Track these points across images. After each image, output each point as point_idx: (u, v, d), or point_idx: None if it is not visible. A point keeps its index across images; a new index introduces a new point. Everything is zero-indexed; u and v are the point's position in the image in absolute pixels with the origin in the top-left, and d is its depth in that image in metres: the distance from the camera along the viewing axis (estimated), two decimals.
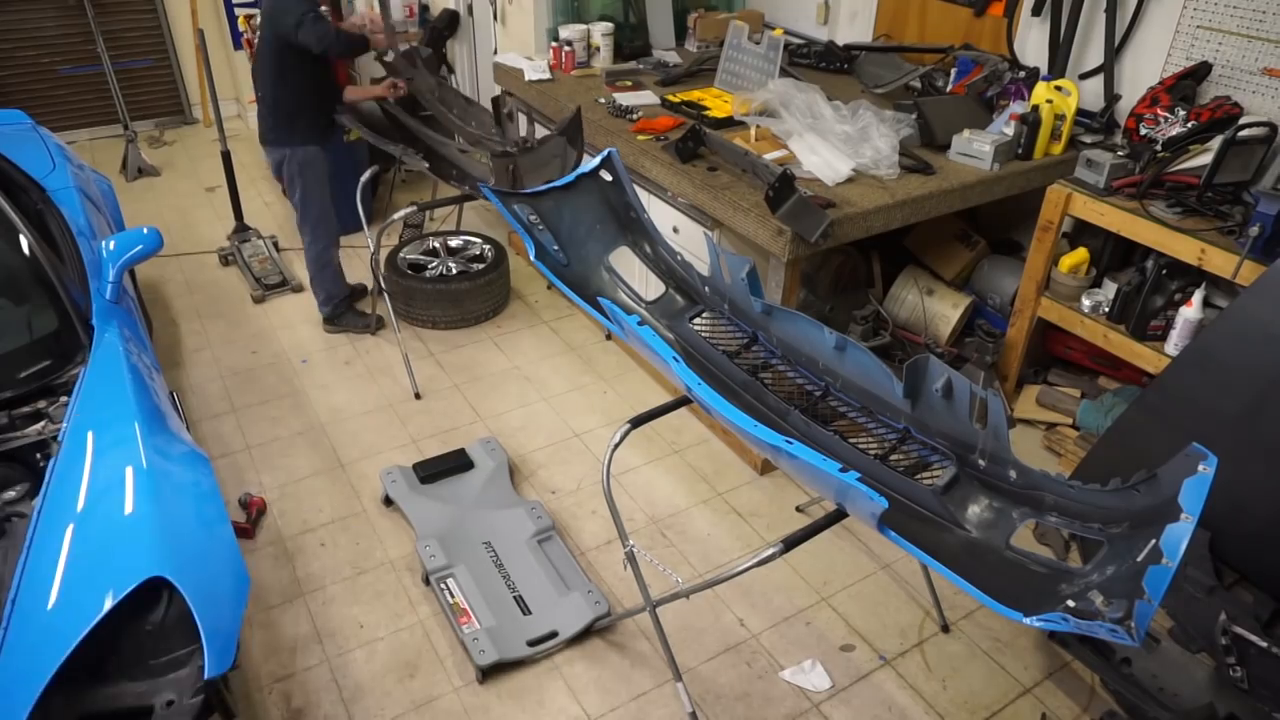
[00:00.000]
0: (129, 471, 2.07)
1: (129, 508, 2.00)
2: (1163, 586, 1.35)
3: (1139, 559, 1.47)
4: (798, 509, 3.09)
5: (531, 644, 2.54)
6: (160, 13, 5.98)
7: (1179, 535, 1.38)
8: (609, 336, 4.04)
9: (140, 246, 2.87)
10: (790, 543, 1.96)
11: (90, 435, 2.18)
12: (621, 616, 2.63)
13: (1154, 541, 1.43)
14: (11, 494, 2.15)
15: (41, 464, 2.18)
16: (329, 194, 3.75)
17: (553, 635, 2.56)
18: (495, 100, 4.08)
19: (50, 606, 1.79)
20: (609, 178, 2.56)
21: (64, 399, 2.32)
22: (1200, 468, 1.42)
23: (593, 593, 2.66)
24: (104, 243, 2.86)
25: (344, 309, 3.98)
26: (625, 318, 2.23)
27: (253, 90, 3.97)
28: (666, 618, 2.50)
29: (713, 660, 2.57)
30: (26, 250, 2.61)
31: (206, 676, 1.75)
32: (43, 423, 2.29)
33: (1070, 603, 1.51)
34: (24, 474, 2.21)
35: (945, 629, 2.67)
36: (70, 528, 1.94)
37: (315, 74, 3.58)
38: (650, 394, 3.65)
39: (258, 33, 3.03)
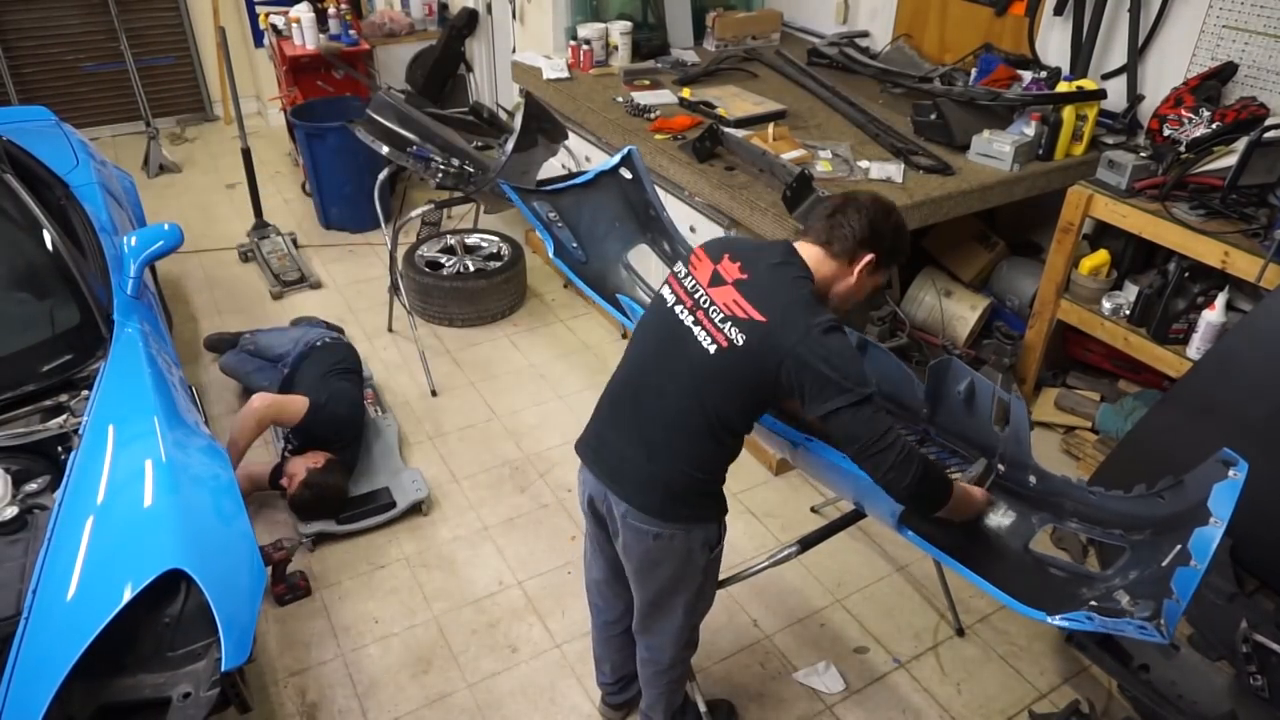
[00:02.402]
0: (148, 465, 2.09)
1: (148, 501, 2.02)
2: (1191, 587, 1.34)
3: (1164, 563, 1.45)
4: (813, 510, 3.08)
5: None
6: (182, 10, 6.02)
7: (1208, 538, 1.37)
8: (625, 335, 4.04)
9: (161, 242, 2.89)
10: (807, 543, 1.96)
11: (111, 429, 2.20)
12: None
13: (1180, 545, 1.41)
14: (33, 486, 2.17)
15: (63, 457, 2.19)
16: None
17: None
18: (475, 107, 4.06)
19: (70, 598, 1.81)
20: (629, 175, 2.56)
21: (85, 393, 2.34)
22: (1231, 473, 1.41)
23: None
24: (125, 238, 2.89)
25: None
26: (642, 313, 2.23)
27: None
28: None
29: (726, 660, 2.56)
30: (50, 245, 2.64)
31: (223, 669, 1.76)
32: (64, 416, 2.31)
33: (1094, 603, 1.50)
34: (45, 467, 2.23)
35: (960, 632, 2.65)
36: (90, 520, 1.96)
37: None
38: None
39: (725, 339, 1.66)
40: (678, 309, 1.75)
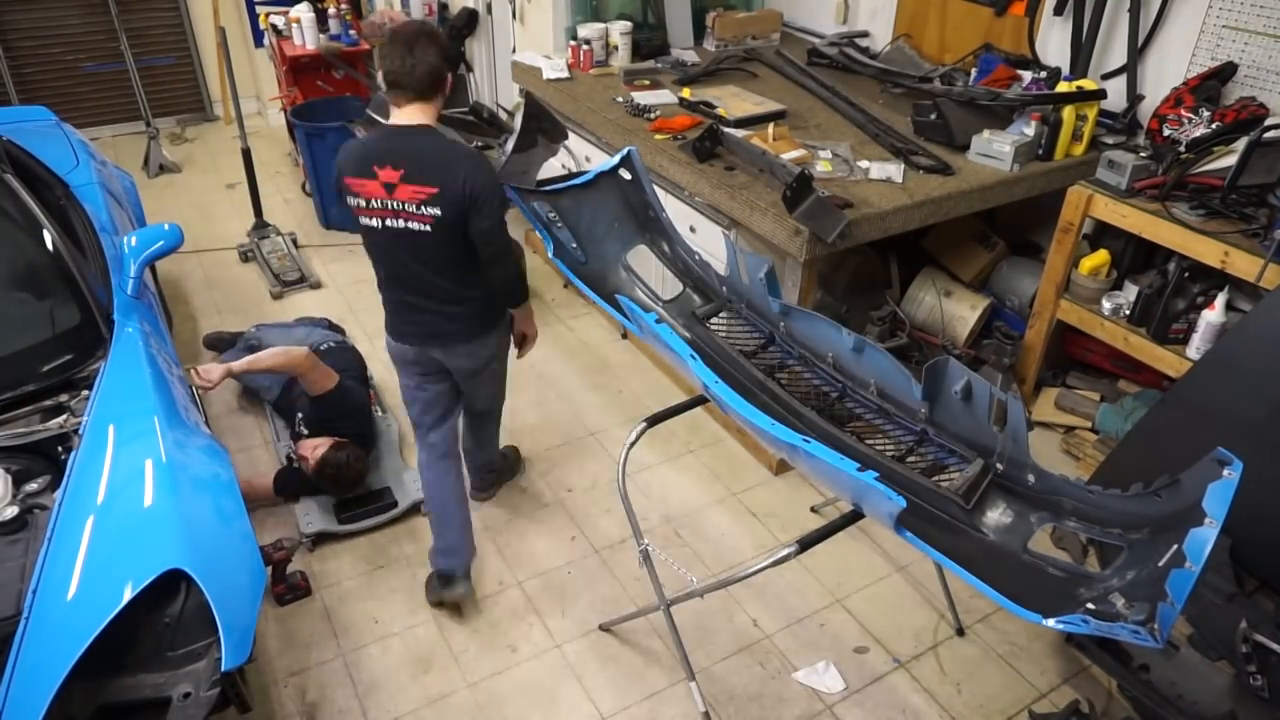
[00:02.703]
0: (148, 465, 2.09)
1: (148, 500, 2.02)
2: (1186, 590, 1.34)
3: (1160, 563, 1.45)
4: (812, 510, 3.08)
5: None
6: (182, 10, 6.03)
7: (1203, 540, 1.37)
8: (625, 335, 4.04)
9: (161, 242, 2.89)
10: (805, 543, 1.95)
11: (111, 429, 2.21)
12: (635, 615, 2.63)
13: (1176, 546, 1.41)
14: (33, 486, 2.17)
15: (63, 457, 2.20)
16: None
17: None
18: (475, 107, 4.06)
19: (70, 598, 1.81)
20: (628, 176, 2.56)
21: (85, 393, 2.35)
22: (1225, 472, 1.40)
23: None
24: (125, 238, 2.89)
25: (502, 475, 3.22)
26: (643, 315, 2.23)
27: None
28: (680, 617, 2.49)
29: (726, 660, 2.56)
30: (50, 245, 2.64)
31: (223, 669, 1.77)
32: (64, 416, 2.31)
33: (1090, 605, 1.50)
34: (46, 466, 2.23)
35: (960, 632, 2.65)
36: (90, 520, 1.97)
37: None
38: (666, 393, 3.65)
39: (425, 218, 2.19)
40: (390, 222, 2.23)
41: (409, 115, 2.20)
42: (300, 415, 3.16)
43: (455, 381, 2.63)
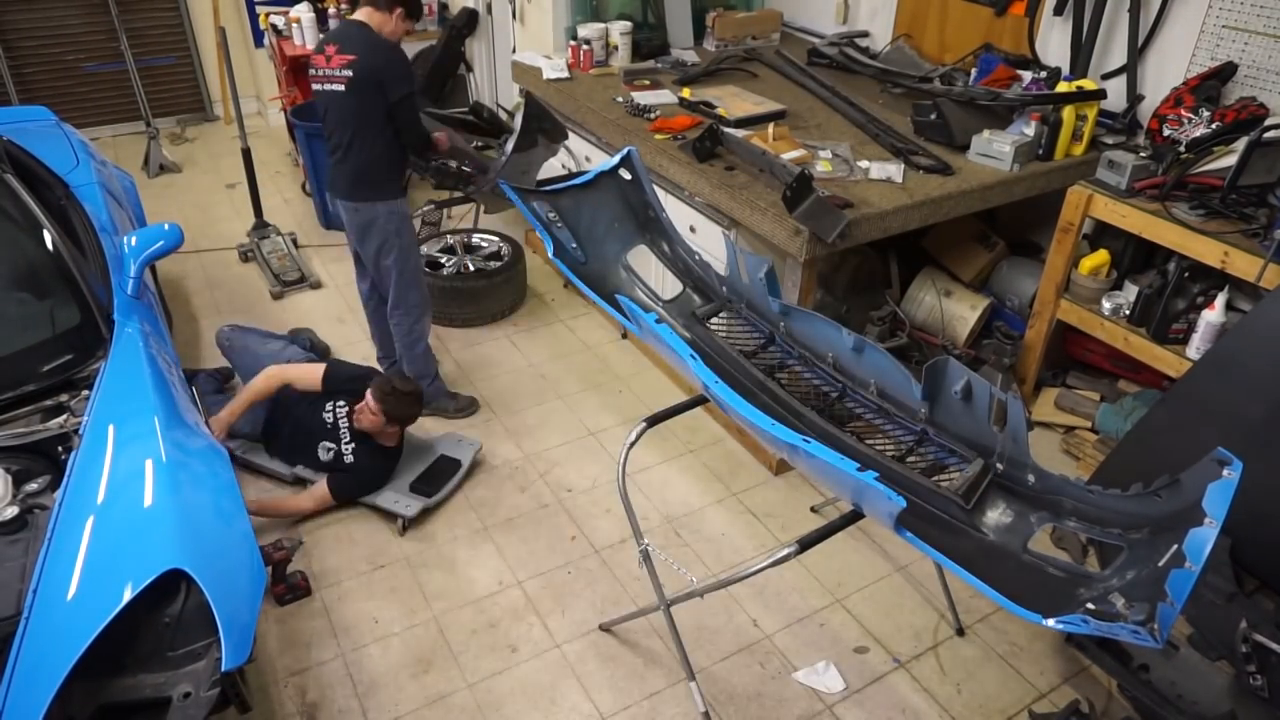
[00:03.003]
0: (148, 465, 2.09)
1: (148, 500, 2.02)
2: (1186, 590, 1.34)
3: (1160, 563, 1.45)
4: (812, 510, 3.08)
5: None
6: (182, 10, 6.03)
7: (1202, 540, 1.37)
8: (625, 335, 4.04)
9: (161, 242, 2.89)
10: (805, 543, 1.95)
11: (111, 429, 2.20)
12: (635, 615, 2.63)
13: (1176, 546, 1.41)
14: (33, 486, 2.17)
15: (63, 457, 2.20)
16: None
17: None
18: (475, 107, 4.06)
19: (70, 598, 1.81)
20: (628, 176, 2.56)
21: (85, 393, 2.35)
22: (1225, 472, 1.40)
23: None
24: (125, 238, 2.89)
25: (437, 391, 3.50)
26: (643, 315, 2.23)
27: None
28: (680, 617, 2.49)
29: (726, 660, 2.56)
30: (50, 245, 2.64)
31: (223, 669, 1.77)
32: (64, 416, 2.31)
33: (1090, 605, 1.50)
34: (46, 466, 2.23)
35: (960, 632, 2.65)
36: (90, 520, 1.97)
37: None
38: (666, 393, 3.65)
39: (343, 79, 2.86)
40: (326, 85, 2.94)
41: (360, 15, 2.96)
42: (329, 412, 3.09)
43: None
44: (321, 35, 4.32)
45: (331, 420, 3.07)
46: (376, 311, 3.49)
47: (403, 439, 3.13)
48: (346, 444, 3.03)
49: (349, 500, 3.03)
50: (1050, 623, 1.42)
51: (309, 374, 3.12)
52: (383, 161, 3.03)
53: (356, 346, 3.97)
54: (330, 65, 2.90)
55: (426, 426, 3.36)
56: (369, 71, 2.86)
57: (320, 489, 2.99)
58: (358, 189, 3.06)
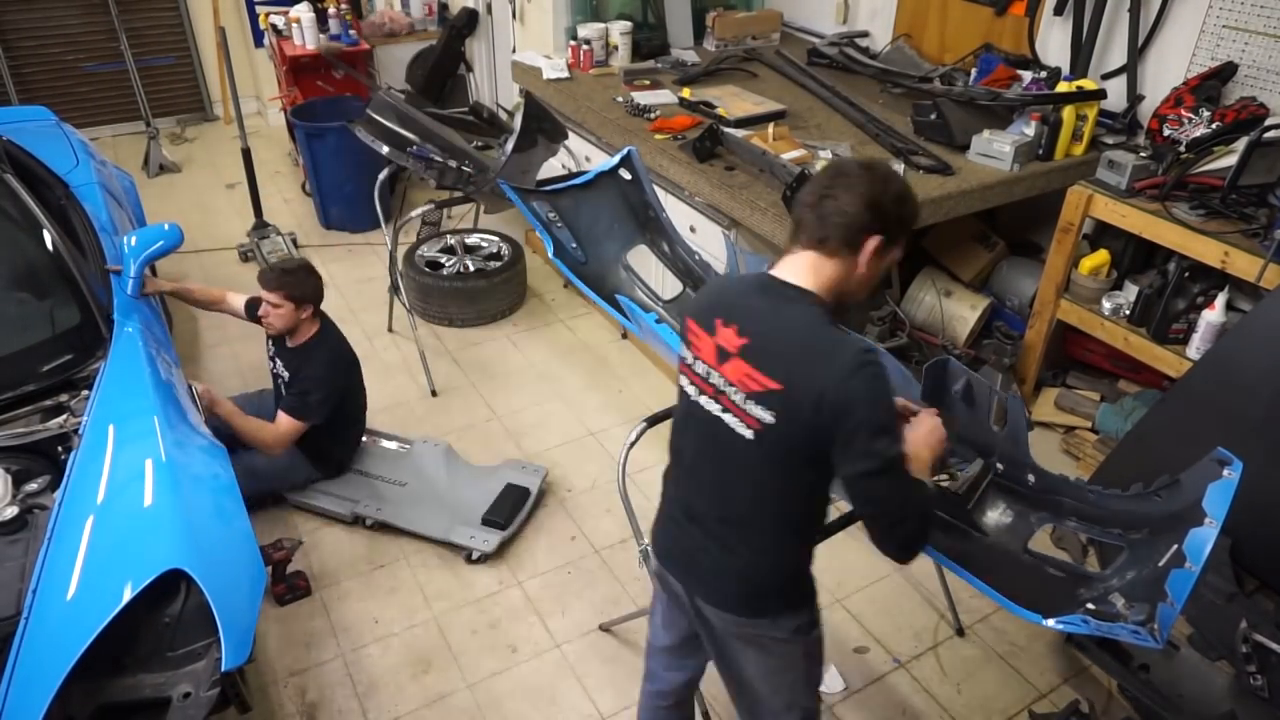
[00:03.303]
0: (148, 464, 2.09)
1: (148, 500, 2.02)
2: (1186, 590, 1.34)
3: (1160, 563, 1.45)
4: None
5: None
6: (182, 10, 6.03)
7: (1202, 540, 1.37)
8: (625, 335, 4.04)
9: (161, 242, 2.89)
10: None
11: (111, 428, 2.20)
12: (635, 615, 2.63)
13: (1176, 546, 1.41)
14: (33, 486, 2.17)
15: (63, 457, 2.20)
16: None
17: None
18: (475, 107, 4.07)
19: (70, 598, 1.81)
20: (628, 176, 2.56)
21: (85, 393, 2.35)
22: (1225, 472, 1.41)
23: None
24: (125, 238, 2.89)
25: None
26: (643, 315, 2.23)
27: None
28: None
29: None
30: (50, 245, 2.64)
31: (223, 669, 1.77)
32: (64, 416, 2.31)
33: (1090, 605, 1.50)
34: (46, 466, 2.23)
35: (960, 632, 2.65)
36: (90, 520, 1.96)
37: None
38: (666, 393, 3.65)
39: (758, 421, 1.49)
40: (702, 400, 1.56)
41: (791, 268, 1.52)
42: (270, 361, 2.94)
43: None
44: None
45: (271, 365, 2.96)
46: (667, 712, 2.11)
47: (325, 323, 2.91)
48: (280, 367, 2.91)
49: (314, 418, 2.82)
50: (1050, 623, 1.42)
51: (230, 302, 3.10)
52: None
53: (356, 347, 3.96)
54: (726, 373, 1.52)
55: (486, 456, 3.30)
56: (802, 418, 1.44)
57: (279, 422, 2.81)
58: (749, 600, 1.65)
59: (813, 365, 1.42)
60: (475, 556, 2.83)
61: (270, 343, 2.97)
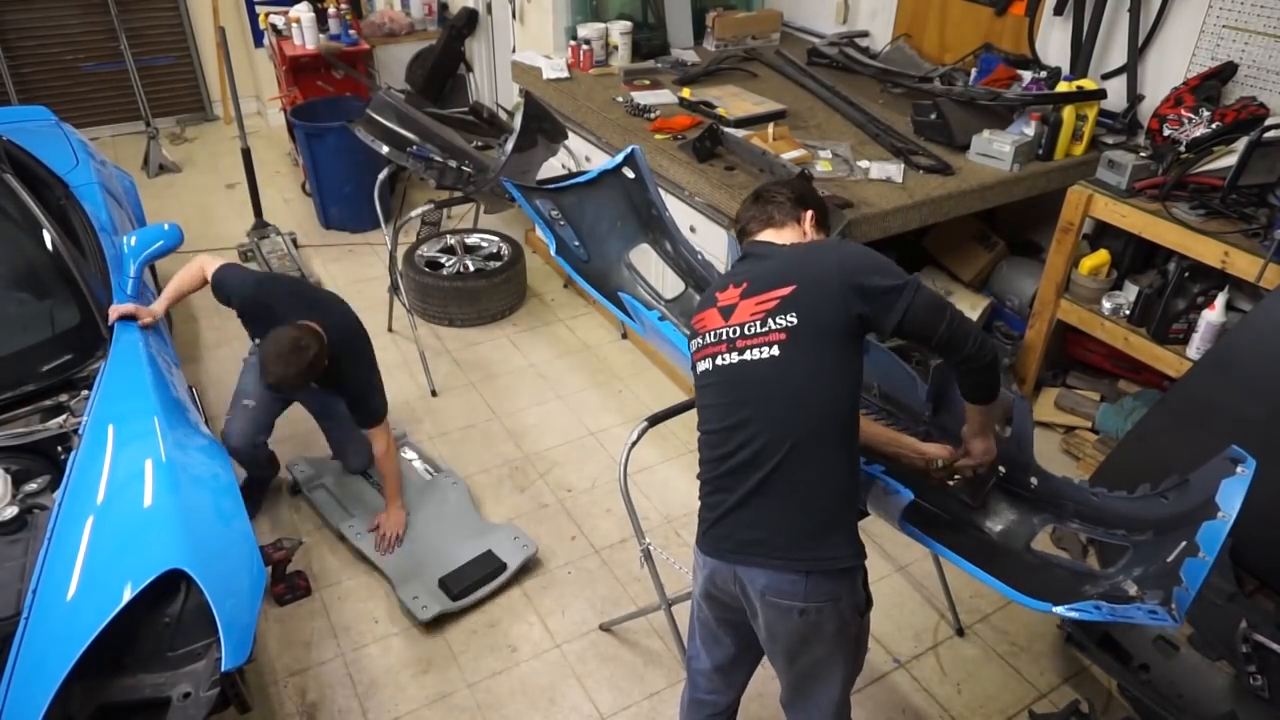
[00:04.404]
0: (148, 465, 2.09)
1: (148, 500, 2.02)
2: (1200, 577, 1.34)
3: (1170, 558, 1.45)
4: None
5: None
6: (182, 10, 6.02)
7: (1217, 531, 1.37)
8: (625, 335, 4.04)
9: (161, 242, 2.89)
10: None
11: (110, 429, 2.20)
12: (635, 615, 2.63)
13: (1186, 541, 1.41)
14: (33, 486, 2.17)
15: (63, 457, 2.20)
16: None
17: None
18: (475, 107, 4.07)
19: (70, 598, 1.81)
20: (631, 175, 2.56)
21: (85, 393, 2.35)
22: (1239, 470, 1.41)
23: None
24: (125, 238, 2.89)
25: None
26: (645, 313, 2.23)
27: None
28: (680, 617, 2.49)
29: None
30: (49, 245, 2.64)
31: (223, 669, 1.76)
32: (64, 416, 2.31)
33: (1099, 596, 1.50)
34: (45, 466, 2.23)
35: (960, 632, 2.65)
36: (90, 520, 1.96)
37: None
38: (666, 393, 3.65)
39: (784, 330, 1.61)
40: (719, 361, 1.65)
41: (763, 238, 1.80)
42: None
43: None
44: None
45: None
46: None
47: (331, 337, 2.60)
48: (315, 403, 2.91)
49: (385, 408, 2.77)
50: (1061, 610, 1.40)
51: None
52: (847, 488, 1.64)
53: None
54: (738, 319, 1.65)
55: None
56: (828, 299, 1.58)
57: (375, 439, 2.78)
58: (811, 546, 1.58)
59: (813, 257, 1.65)
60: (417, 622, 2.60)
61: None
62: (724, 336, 1.65)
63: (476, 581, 2.70)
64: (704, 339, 1.69)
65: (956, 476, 1.86)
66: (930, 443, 1.86)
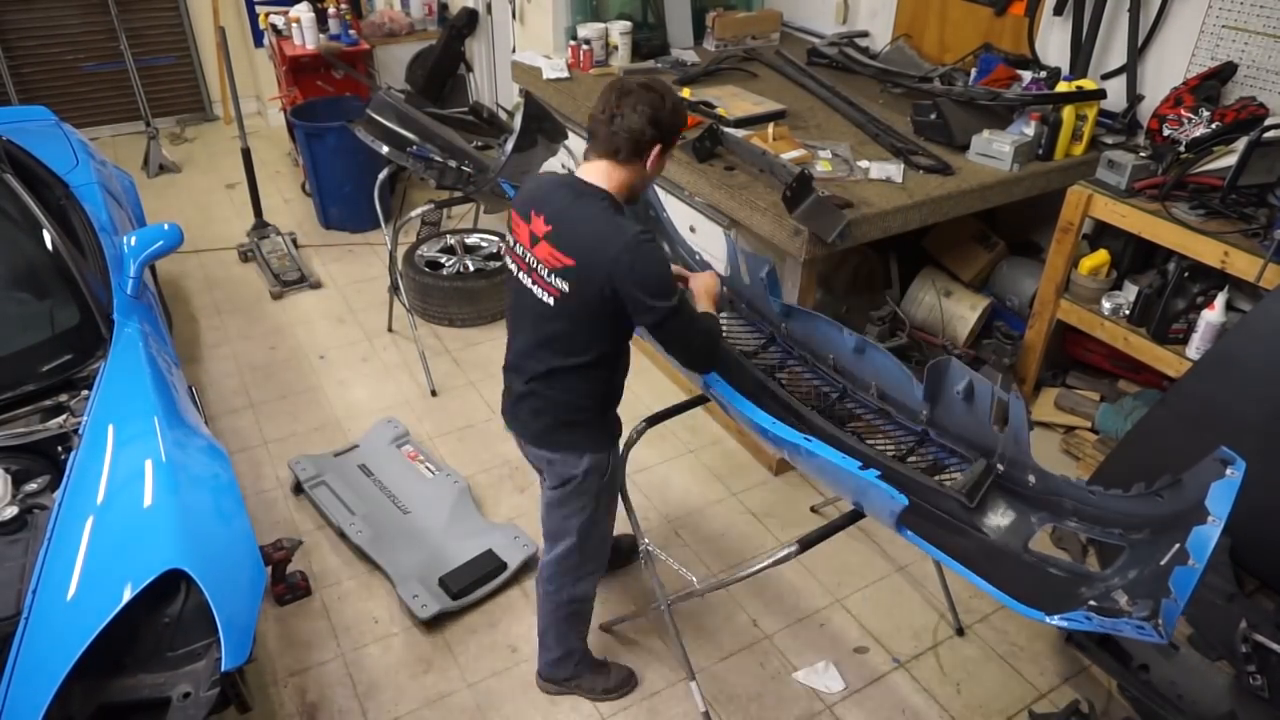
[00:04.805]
0: (148, 465, 2.09)
1: (148, 500, 2.02)
2: (1189, 587, 1.34)
3: (1163, 562, 1.45)
4: (812, 509, 3.08)
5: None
6: (182, 10, 6.03)
7: (1205, 537, 1.37)
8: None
9: (161, 242, 2.89)
10: (806, 543, 1.95)
11: (110, 429, 2.20)
12: (636, 615, 2.63)
13: (1178, 545, 1.41)
14: (33, 486, 2.17)
15: (63, 457, 2.19)
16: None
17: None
18: (475, 107, 4.07)
19: (70, 598, 1.81)
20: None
21: (85, 393, 2.34)
22: (1228, 472, 1.41)
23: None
24: (125, 238, 2.89)
25: (581, 669, 2.45)
26: None
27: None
28: (680, 616, 2.49)
29: (726, 660, 2.56)
30: (49, 245, 2.64)
31: (223, 669, 1.76)
32: (64, 416, 2.31)
33: (1092, 603, 1.50)
34: (45, 466, 2.23)
35: (960, 632, 2.65)
36: (90, 520, 1.96)
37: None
38: (666, 393, 3.65)
39: (564, 283, 1.85)
40: (520, 276, 1.95)
41: (591, 171, 1.89)
42: None
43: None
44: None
45: None
46: None
47: None
48: None
49: None
50: (1053, 620, 1.41)
51: None
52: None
53: (355, 347, 3.97)
54: (536, 253, 1.89)
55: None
56: (593, 284, 1.83)
57: None
58: (554, 433, 2.07)
59: (600, 245, 1.80)
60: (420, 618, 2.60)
61: None
62: (525, 259, 1.93)
63: (476, 580, 2.71)
64: (513, 245, 1.98)
65: (949, 478, 1.86)
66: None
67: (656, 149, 1.87)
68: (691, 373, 2.14)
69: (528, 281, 1.93)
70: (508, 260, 2.01)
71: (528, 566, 2.79)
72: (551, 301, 1.88)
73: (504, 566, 2.75)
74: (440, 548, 2.84)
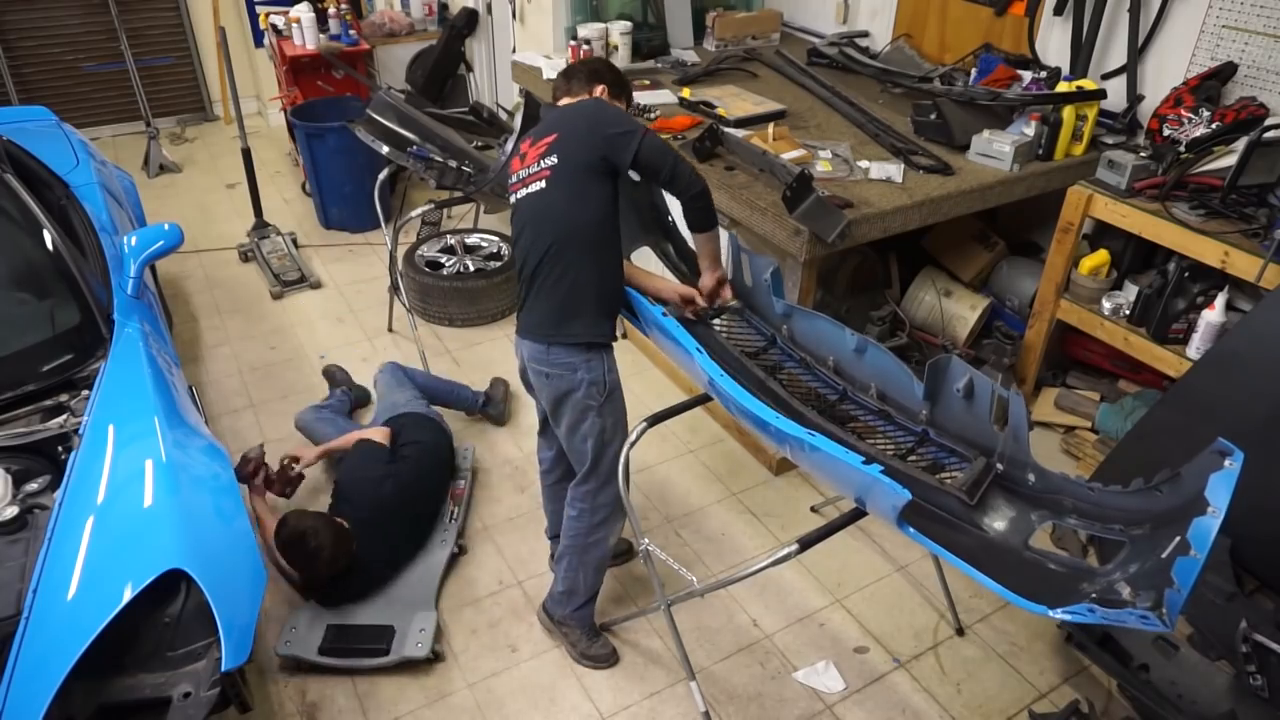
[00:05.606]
0: (149, 465, 2.09)
1: (148, 500, 2.02)
2: (1191, 577, 1.34)
3: (1164, 554, 1.45)
4: (812, 509, 3.08)
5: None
6: (182, 10, 6.03)
7: (1206, 528, 1.37)
8: (624, 335, 4.04)
9: (161, 242, 2.89)
10: (806, 543, 1.95)
11: (111, 429, 2.20)
12: (636, 615, 2.63)
13: (1179, 537, 1.41)
14: (33, 486, 2.17)
15: (63, 457, 2.20)
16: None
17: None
18: (475, 107, 4.07)
19: (70, 598, 1.81)
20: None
21: (85, 393, 2.35)
22: (1226, 463, 1.41)
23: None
24: (125, 238, 2.89)
25: (582, 619, 2.52)
26: (649, 309, 2.24)
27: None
28: (680, 616, 2.49)
29: (726, 660, 2.56)
30: (50, 245, 2.64)
31: (223, 669, 1.77)
32: (64, 416, 2.31)
33: (1094, 597, 1.50)
34: (46, 466, 2.23)
35: (960, 632, 2.65)
36: (90, 520, 1.96)
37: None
38: (666, 393, 3.65)
39: (553, 167, 2.10)
40: (521, 193, 2.18)
41: (560, 104, 2.31)
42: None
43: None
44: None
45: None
46: (556, 488, 2.59)
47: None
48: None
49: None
50: (1057, 613, 1.41)
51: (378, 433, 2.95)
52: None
53: (356, 347, 3.97)
54: (528, 161, 2.16)
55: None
56: (580, 144, 2.10)
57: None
58: (559, 326, 2.16)
59: (572, 113, 2.18)
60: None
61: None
62: (519, 176, 2.18)
63: (352, 650, 2.50)
64: (513, 181, 2.21)
65: (949, 477, 1.86)
66: (686, 285, 2.40)
67: (602, 87, 2.26)
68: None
69: (526, 190, 2.16)
70: (512, 197, 2.22)
71: (407, 664, 2.48)
72: (545, 184, 2.11)
73: (384, 652, 2.48)
74: (372, 595, 2.66)
